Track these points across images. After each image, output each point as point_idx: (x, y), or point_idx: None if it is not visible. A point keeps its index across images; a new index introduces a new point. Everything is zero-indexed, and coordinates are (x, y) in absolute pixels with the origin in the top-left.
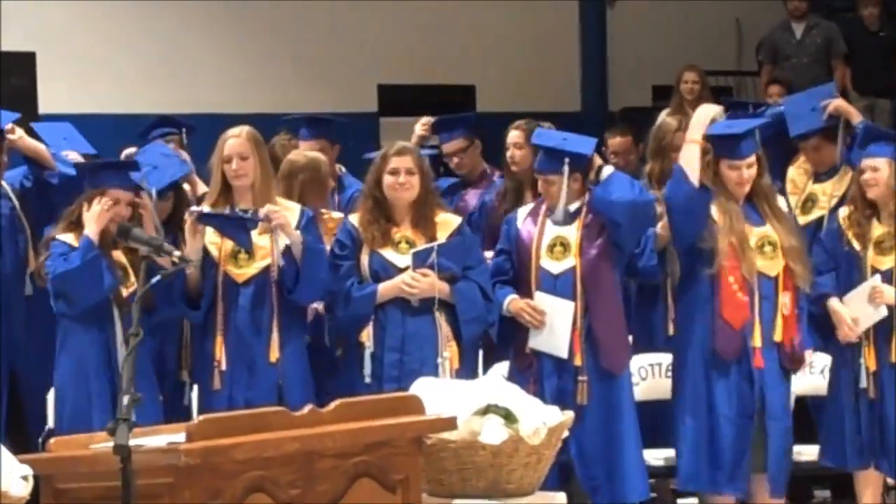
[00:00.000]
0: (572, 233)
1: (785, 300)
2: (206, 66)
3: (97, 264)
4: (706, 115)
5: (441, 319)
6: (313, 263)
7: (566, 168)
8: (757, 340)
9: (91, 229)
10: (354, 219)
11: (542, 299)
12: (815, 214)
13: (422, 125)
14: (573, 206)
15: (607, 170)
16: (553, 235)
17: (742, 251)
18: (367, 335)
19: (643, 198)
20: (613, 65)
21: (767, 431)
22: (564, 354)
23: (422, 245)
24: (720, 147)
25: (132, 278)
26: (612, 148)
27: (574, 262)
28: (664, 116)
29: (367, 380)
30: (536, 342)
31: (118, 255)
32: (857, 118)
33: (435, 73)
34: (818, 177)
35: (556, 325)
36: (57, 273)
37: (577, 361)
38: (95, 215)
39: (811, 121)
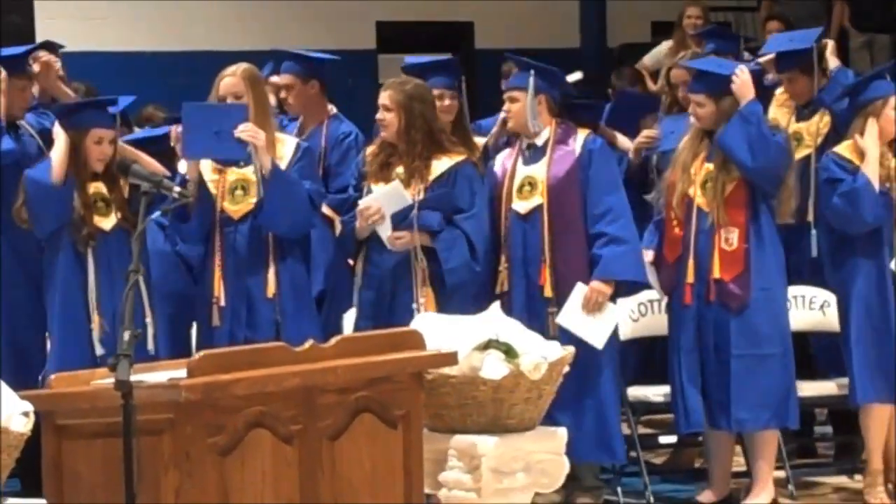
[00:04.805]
0: (540, 171)
1: (728, 235)
2: (204, 2)
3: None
4: None
5: (418, 265)
6: (279, 192)
7: (531, 80)
8: (690, 276)
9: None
10: (369, 150)
11: None
12: (803, 153)
13: None
14: (540, 140)
15: None
16: (523, 175)
17: (681, 182)
18: (358, 269)
19: None
20: (612, 1)
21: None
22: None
23: (414, 186)
24: None
25: (114, 213)
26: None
27: (541, 200)
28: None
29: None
30: None
31: (97, 186)
32: (833, 63)
33: (433, 9)
34: (800, 114)
35: None
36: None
37: (548, 293)
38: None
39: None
